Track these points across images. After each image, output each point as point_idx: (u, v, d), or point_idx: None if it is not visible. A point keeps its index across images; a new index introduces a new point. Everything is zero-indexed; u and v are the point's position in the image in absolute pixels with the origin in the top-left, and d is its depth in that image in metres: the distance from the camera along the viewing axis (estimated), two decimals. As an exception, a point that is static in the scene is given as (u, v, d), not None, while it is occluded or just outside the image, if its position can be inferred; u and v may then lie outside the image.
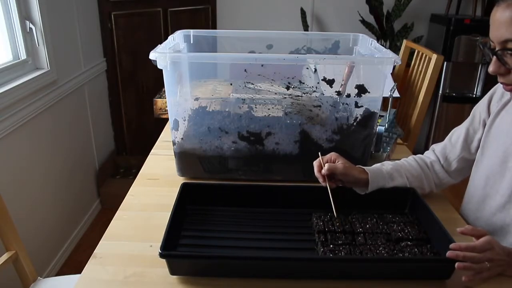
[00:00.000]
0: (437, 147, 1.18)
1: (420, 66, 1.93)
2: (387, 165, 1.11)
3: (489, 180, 1.04)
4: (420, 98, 1.92)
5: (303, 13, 2.95)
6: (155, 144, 1.46)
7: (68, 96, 2.11)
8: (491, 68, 0.89)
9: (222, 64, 1.20)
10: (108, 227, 1.00)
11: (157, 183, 1.21)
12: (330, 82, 1.10)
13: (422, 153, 1.20)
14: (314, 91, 1.12)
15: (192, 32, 1.42)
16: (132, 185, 1.19)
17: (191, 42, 1.42)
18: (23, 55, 1.80)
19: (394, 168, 1.10)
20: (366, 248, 0.90)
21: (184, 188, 1.04)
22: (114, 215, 1.05)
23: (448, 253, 0.81)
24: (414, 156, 1.19)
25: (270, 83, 1.11)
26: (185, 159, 1.19)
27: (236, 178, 1.21)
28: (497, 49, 0.87)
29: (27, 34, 1.80)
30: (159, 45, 1.15)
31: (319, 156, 1.04)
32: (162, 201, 1.10)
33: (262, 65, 1.05)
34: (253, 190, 1.08)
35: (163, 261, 0.81)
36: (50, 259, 1.96)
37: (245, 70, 1.07)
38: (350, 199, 1.06)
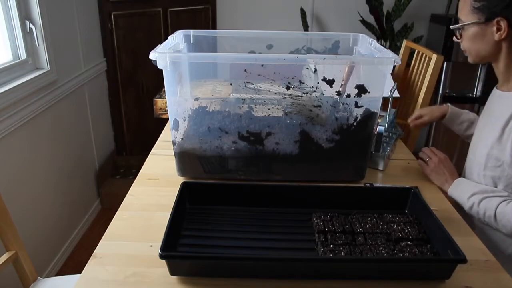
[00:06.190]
0: None
1: (420, 66, 1.93)
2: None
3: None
4: (420, 98, 1.92)
5: (303, 13, 2.95)
6: (155, 144, 1.46)
7: (68, 96, 2.11)
8: (454, 38, 1.17)
9: (222, 64, 1.19)
10: (108, 227, 1.00)
11: (157, 183, 1.21)
12: (330, 82, 1.09)
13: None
14: (314, 91, 1.12)
15: (192, 32, 1.42)
16: (132, 185, 1.19)
17: (191, 42, 1.42)
18: (23, 55, 1.80)
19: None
20: (366, 248, 0.90)
21: (184, 187, 1.04)
22: (114, 215, 1.05)
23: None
24: None
25: (270, 83, 1.11)
26: (185, 159, 1.19)
27: (236, 178, 1.21)
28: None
29: (27, 34, 1.80)
30: (159, 45, 1.15)
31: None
32: (162, 201, 1.10)
33: (262, 65, 1.05)
34: (253, 190, 1.08)
35: (163, 261, 0.81)
36: (50, 259, 1.96)
37: (245, 70, 1.07)
38: (350, 199, 1.06)
